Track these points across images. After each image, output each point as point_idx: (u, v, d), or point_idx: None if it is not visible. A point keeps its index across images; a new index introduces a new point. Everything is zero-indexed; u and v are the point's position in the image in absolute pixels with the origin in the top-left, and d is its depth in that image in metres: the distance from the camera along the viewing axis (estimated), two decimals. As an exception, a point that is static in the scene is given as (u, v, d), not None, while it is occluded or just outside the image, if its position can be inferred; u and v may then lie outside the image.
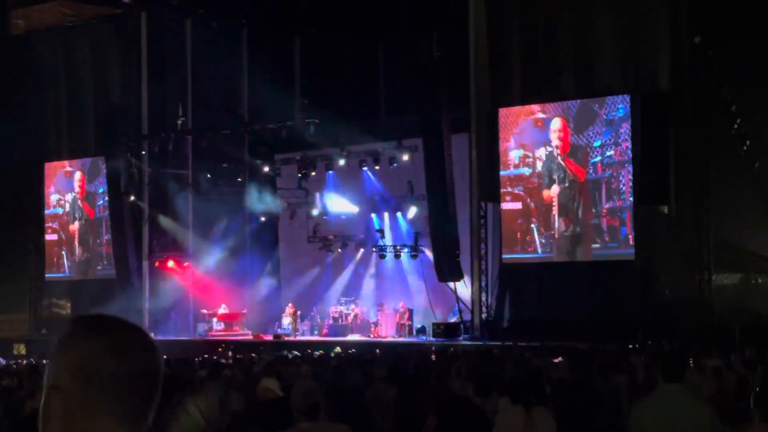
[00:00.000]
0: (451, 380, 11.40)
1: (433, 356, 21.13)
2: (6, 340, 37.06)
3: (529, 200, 29.67)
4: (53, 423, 2.16)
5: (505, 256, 30.06)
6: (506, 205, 30.06)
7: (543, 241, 29.37)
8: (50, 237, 39.90)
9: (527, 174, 29.73)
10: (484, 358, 18.71)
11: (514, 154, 29.91)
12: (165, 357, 20.97)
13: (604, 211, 28.25)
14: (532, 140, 29.62)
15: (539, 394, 8.68)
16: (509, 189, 29.99)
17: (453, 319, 31.76)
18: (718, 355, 16.77)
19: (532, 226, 29.53)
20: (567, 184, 28.92)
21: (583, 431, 9.49)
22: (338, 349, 26.18)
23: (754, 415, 5.35)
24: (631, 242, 27.85)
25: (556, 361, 16.62)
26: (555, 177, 29.13)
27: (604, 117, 28.34)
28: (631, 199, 27.78)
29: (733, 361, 15.29)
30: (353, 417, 10.18)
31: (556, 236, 29.05)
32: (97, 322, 2.24)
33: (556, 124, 29.17)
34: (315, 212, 35.88)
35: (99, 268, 38.32)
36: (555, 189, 29.12)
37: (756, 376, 13.15)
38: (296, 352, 24.40)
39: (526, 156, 29.77)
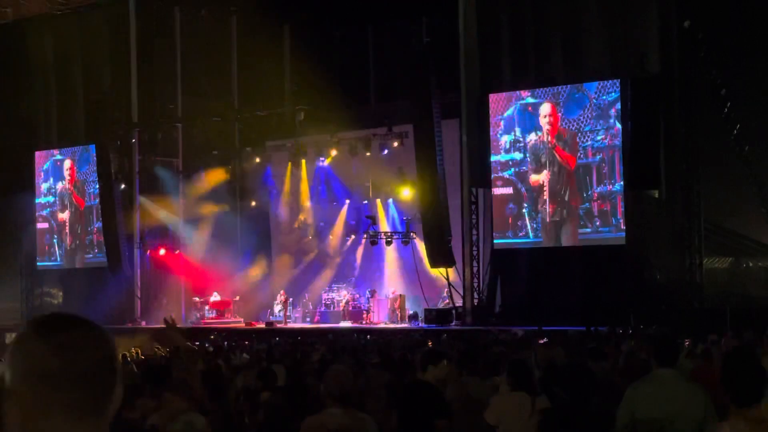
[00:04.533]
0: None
1: (430, 343, 21.02)
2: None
3: (519, 185, 29.67)
4: (10, 426, 2.21)
5: (496, 241, 30.06)
6: (497, 191, 30.04)
7: (534, 225, 29.38)
8: (41, 225, 39.79)
9: (518, 159, 29.70)
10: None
11: (504, 139, 29.88)
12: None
13: (595, 195, 28.25)
14: (522, 125, 29.58)
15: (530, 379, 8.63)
16: (500, 174, 29.97)
17: (443, 304, 31.78)
18: (709, 338, 16.75)
19: (524, 210, 29.53)
20: (556, 169, 28.90)
21: (578, 415, 9.43)
22: None
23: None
24: (622, 226, 27.84)
25: (542, 341, 16.61)
26: (544, 162, 29.12)
27: (594, 101, 28.32)
28: (622, 183, 27.76)
29: (724, 345, 15.25)
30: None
31: (547, 221, 29.07)
32: (47, 323, 2.27)
33: (546, 109, 29.13)
34: (306, 199, 35.82)
35: (90, 256, 38.21)
36: (544, 174, 29.11)
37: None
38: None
39: (516, 141, 29.73)
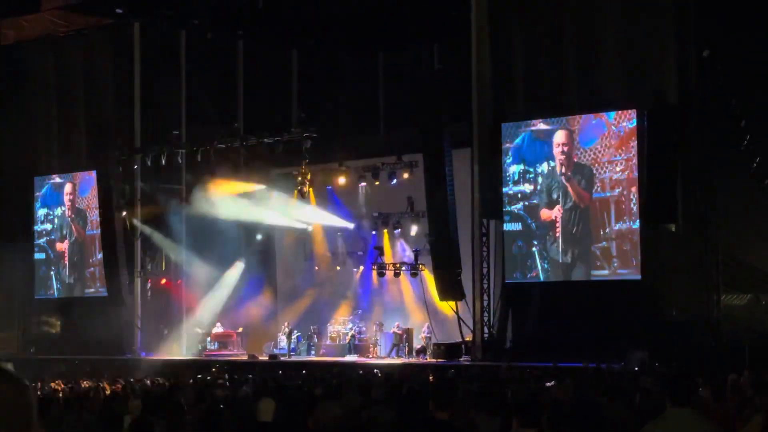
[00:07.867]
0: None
1: (431, 377, 20.63)
2: (-6, 358, 36.24)
3: (529, 221, 28.77)
4: None
5: (507, 281, 29.24)
6: (505, 226, 29.19)
7: (544, 266, 28.46)
8: (37, 256, 38.93)
9: (527, 192, 28.80)
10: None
11: (513, 170, 29.03)
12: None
13: (614, 233, 27.31)
14: (532, 154, 28.75)
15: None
16: (508, 208, 29.08)
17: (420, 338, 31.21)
18: (726, 376, 16.42)
19: (534, 249, 28.61)
20: (569, 206, 28.01)
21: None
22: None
23: None
24: (639, 262, 27.05)
25: (549, 384, 16.13)
26: (556, 197, 28.22)
27: (614, 128, 27.51)
28: (638, 218, 26.99)
29: (742, 383, 14.87)
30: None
31: (559, 261, 28.16)
32: None
33: (560, 137, 28.29)
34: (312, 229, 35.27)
35: (91, 290, 37.29)
36: (556, 209, 28.19)
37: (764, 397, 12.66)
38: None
39: (526, 171, 28.90)
